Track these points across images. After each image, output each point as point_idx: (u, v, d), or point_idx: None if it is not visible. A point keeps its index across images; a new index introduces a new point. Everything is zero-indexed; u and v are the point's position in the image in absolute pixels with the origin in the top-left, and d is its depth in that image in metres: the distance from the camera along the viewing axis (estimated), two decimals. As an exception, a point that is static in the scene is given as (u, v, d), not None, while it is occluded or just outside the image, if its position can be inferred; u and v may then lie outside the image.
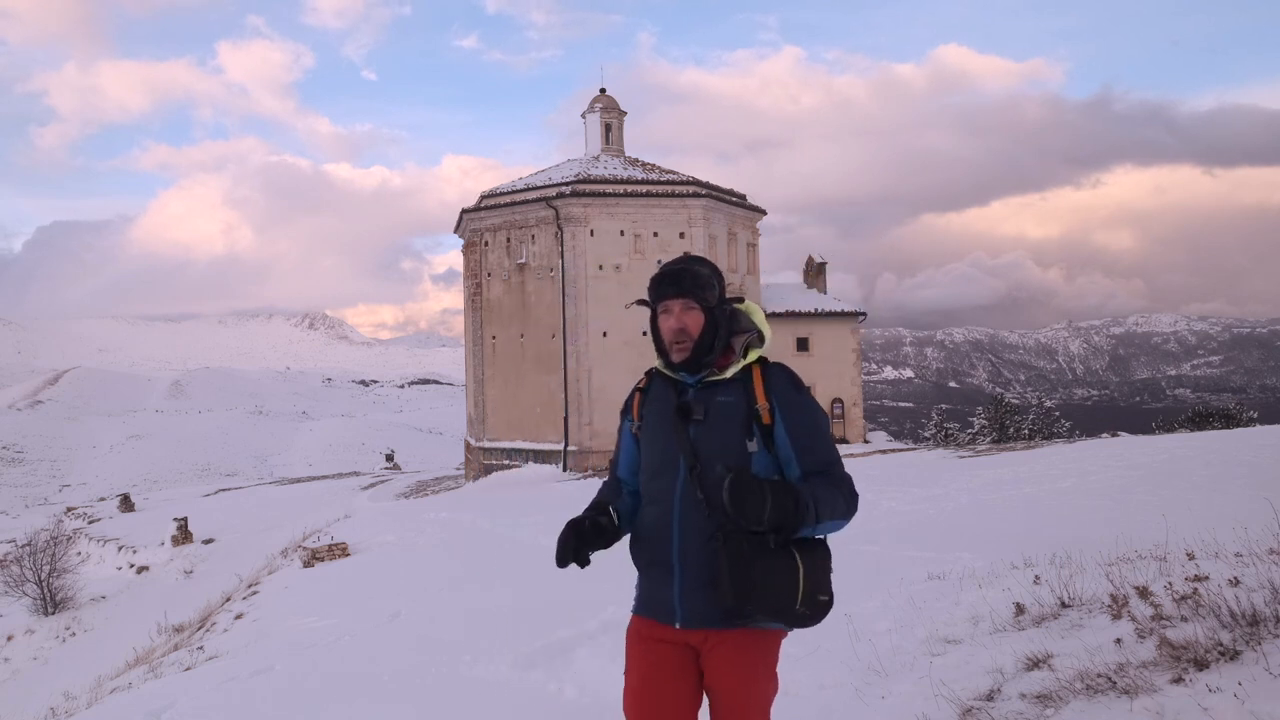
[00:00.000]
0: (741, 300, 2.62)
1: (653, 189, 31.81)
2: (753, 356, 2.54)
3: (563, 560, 2.51)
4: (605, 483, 2.80)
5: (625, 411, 2.72)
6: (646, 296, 2.62)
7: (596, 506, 2.64)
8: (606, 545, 2.57)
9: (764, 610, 2.29)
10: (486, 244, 33.43)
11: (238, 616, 11.90)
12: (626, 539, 2.65)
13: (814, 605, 2.35)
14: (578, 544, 2.50)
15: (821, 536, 2.41)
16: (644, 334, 31.09)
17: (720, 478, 2.26)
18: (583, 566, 2.53)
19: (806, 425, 2.45)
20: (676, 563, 2.44)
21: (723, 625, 2.39)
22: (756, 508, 2.19)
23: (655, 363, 2.66)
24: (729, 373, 2.51)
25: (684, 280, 2.51)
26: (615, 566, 3.11)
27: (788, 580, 2.28)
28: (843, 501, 2.36)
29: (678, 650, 2.49)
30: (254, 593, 13.39)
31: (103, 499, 46.04)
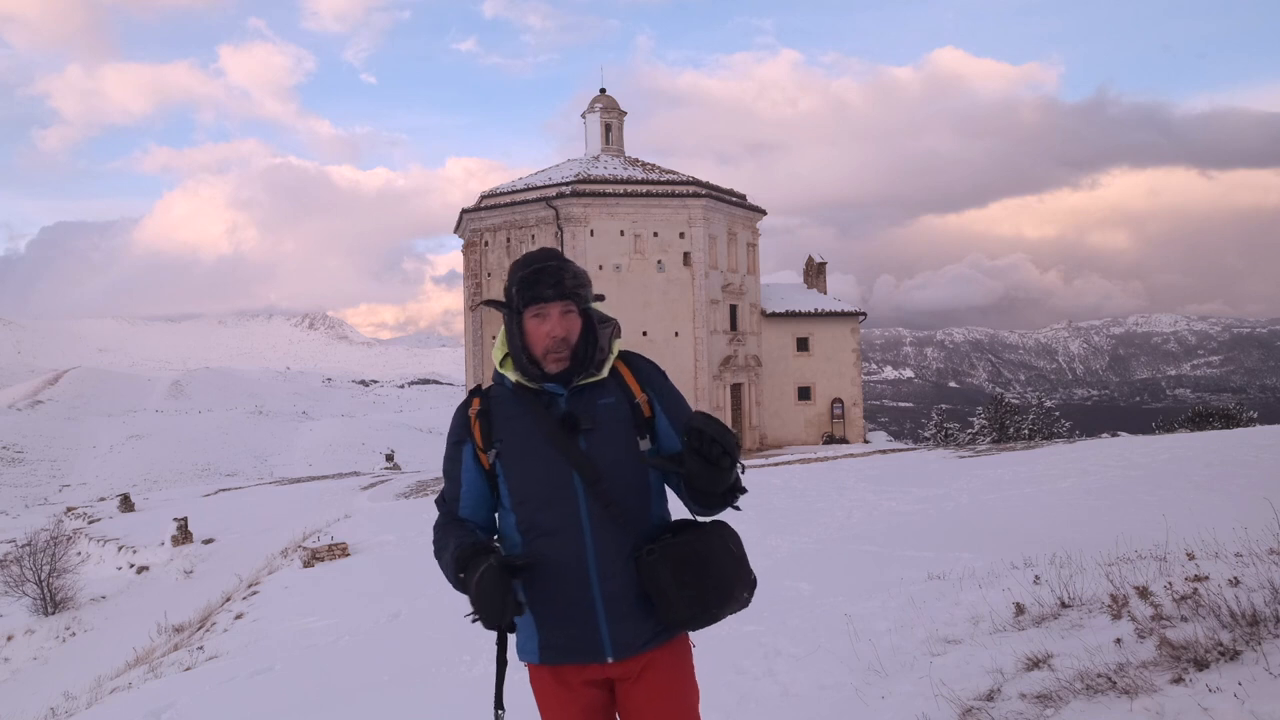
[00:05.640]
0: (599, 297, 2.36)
1: (653, 189, 31.82)
2: (617, 349, 2.31)
3: (502, 618, 2.03)
4: (446, 525, 2.30)
5: (462, 440, 2.30)
6: (512, 290, 2.23)
7: (478, 546, 2.12)
8: None
9: (720, 606, 2.15)
10: (486, 244, 33.43)
11: (238, 616, 11.91)
12: None
13: (751, 586, 2.24)
14: (513, 592, 2.06)
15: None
16: (644, 334, 31.21)
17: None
18: (514, 624, 2.14)
19: (684, 408, 2.31)
20: (597, 594, 2.16)
21: (656, 644, 2.22)
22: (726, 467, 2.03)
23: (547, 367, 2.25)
24: (604, 370, 2.26)
25: (565, 279, 2.18)
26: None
27: (732, 567, 2.17)
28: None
29: (598, 689, 2.27)
30: (254, 593, 13.40)
31: (103, 499, 46.02)
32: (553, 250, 2.27)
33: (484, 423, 2.27)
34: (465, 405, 2.34)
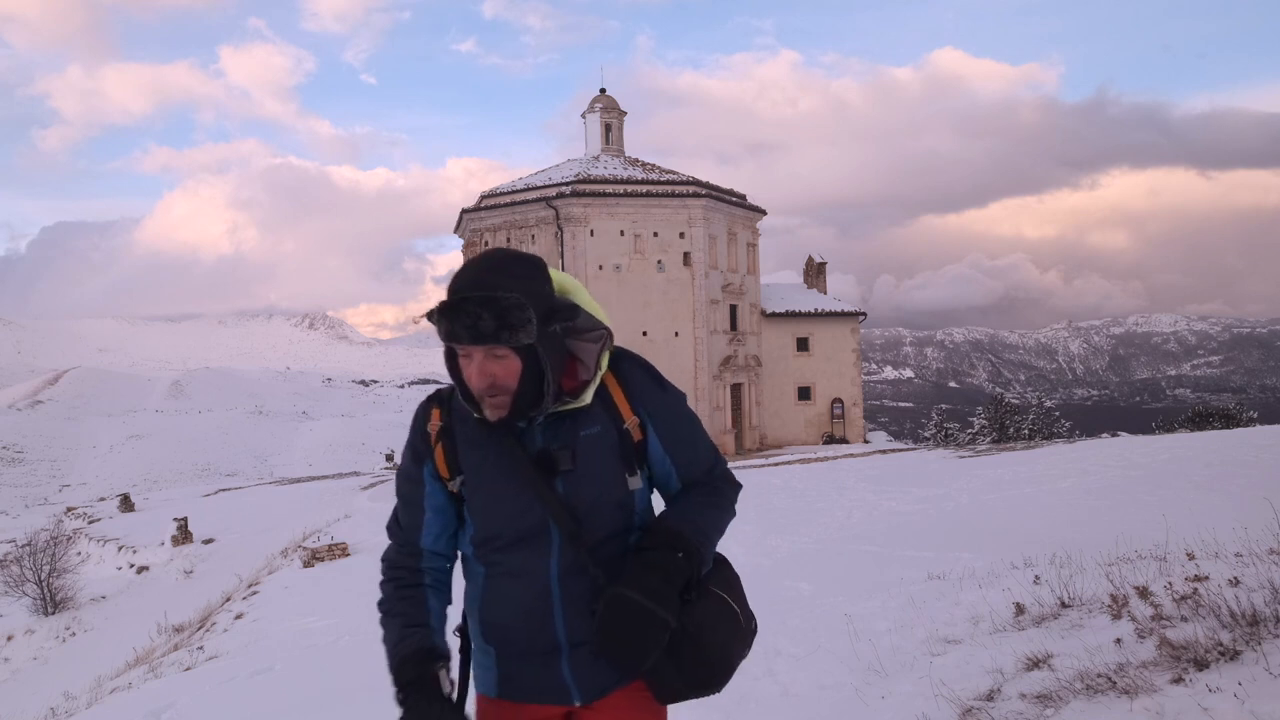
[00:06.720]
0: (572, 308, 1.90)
1: (653, 189, 31.84)
2: (605, 364, 1.90)
3: None
4: (393, 582, 1.96)
5: (421, 459, 1.95)
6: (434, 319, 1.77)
7: (420, 655, 1.82)
8: None
9: (725, 675, 1.86)
10: (487, 244, 33.43)
11: (238, 616, 11.91)
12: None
13: (750, 638, 1.95)
14: None
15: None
16: (644, 334, 31.25)
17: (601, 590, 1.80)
18: None
19: (682, 430, 1.97)
20: (563, 642, 1.87)
21: (629, 680, 1.90)
22: (653, 636, 1.75)
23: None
24: (588, 396, 1.87)
25: (481, 321, 1.68)
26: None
27: (732, 631, 1.87)
28: (728, 509, 1.99)
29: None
30: (254, 593, 13.40)
31: (103, 499, 46.01)
32: (483, 275, 1.75)
33: (447, 444, 1.92)
34: (424, 416, 1.96)
